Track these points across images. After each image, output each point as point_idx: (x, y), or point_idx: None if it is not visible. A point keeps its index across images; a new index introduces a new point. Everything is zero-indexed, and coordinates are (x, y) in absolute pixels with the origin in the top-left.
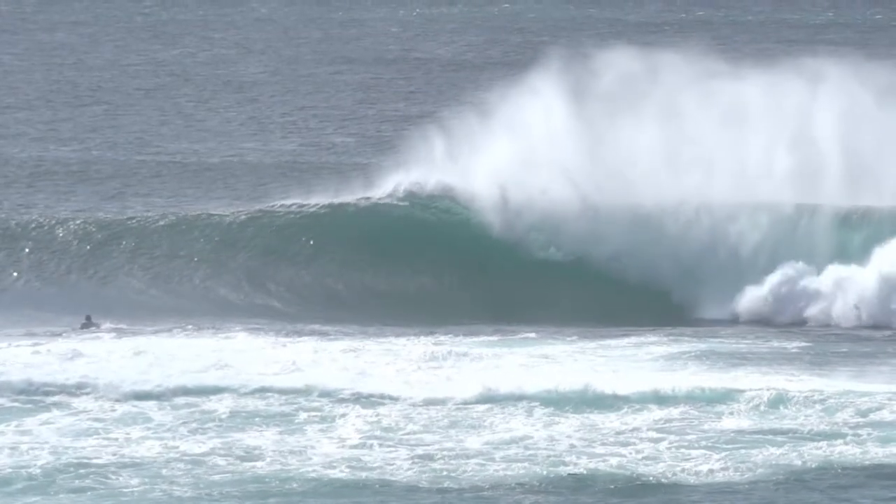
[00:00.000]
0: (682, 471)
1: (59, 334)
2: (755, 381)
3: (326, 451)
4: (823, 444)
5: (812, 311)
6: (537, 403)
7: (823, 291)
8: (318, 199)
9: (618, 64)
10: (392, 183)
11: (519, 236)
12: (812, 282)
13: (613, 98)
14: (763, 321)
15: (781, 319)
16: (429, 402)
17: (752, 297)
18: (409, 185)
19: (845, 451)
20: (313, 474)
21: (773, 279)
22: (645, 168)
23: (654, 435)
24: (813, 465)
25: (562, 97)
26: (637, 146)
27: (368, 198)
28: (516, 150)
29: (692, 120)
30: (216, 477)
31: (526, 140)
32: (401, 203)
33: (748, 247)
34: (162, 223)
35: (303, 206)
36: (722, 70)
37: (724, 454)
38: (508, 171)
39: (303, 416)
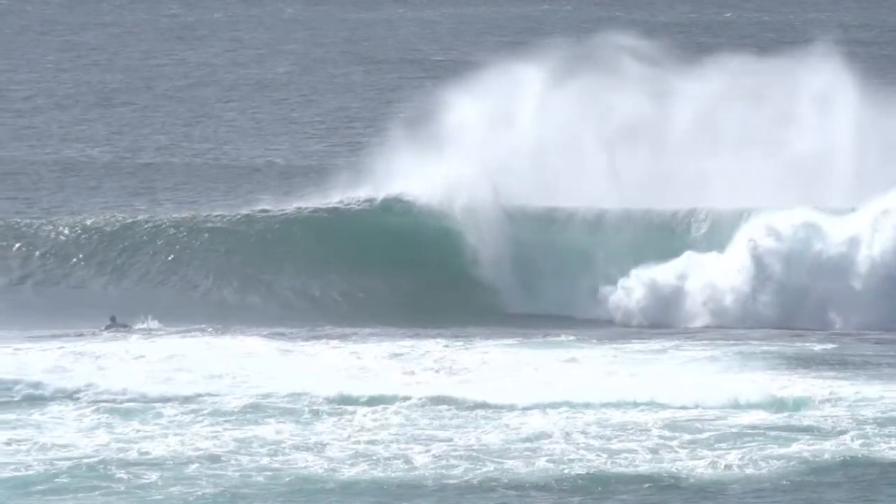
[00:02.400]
0: (703, 468)
1: (85, 335)
2: (774, 381)
3: (346, 448)
4: (844, 439)
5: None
6: (558, 402)
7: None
8: (343, 199)
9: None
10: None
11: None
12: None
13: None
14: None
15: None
16: (449, 402)
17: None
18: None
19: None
20: (335, 474)
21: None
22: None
23: (668, 433)
24: (837, 460)
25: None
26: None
27: (400, 199)
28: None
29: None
30: (235, 475)
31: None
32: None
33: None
34: (189, 224)
35: (337, 206)
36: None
37: (742, 451)
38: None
39: (321, 415)
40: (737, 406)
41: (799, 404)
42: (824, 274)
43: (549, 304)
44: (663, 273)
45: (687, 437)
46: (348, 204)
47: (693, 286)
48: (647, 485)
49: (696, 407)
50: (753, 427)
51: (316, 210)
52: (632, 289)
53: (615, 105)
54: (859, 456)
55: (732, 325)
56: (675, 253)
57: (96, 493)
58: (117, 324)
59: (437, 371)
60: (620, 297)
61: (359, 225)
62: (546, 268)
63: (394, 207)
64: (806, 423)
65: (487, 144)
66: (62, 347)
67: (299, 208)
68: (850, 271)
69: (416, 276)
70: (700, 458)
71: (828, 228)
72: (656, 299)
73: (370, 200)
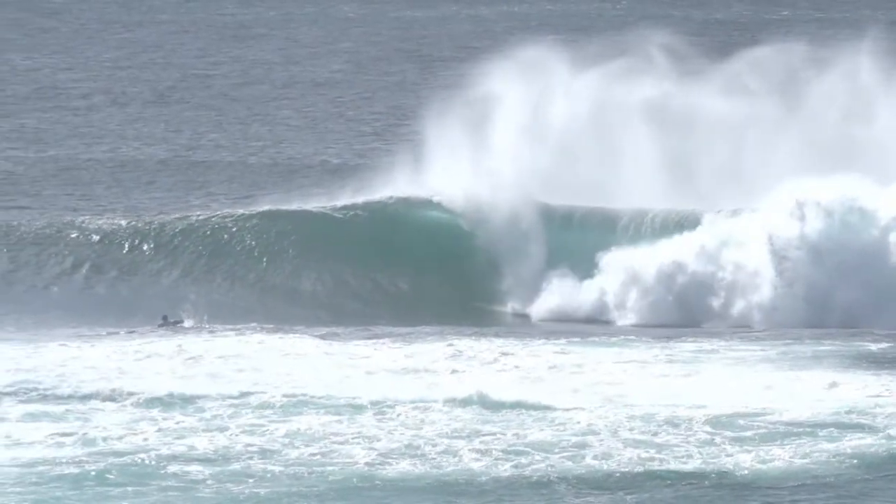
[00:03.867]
0: (752, 464)
1: (137, 333)
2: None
3: (394, 445)
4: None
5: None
6: (605, 400)
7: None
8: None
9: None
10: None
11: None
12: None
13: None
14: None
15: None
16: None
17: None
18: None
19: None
20: (383, 470)
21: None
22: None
23: (717, 430)
24: (887, 455)
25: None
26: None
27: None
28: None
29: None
30: (284, 471)
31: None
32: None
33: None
34: (241, 221)
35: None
36: None
37: (792, 447)
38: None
39: (370, 412)
40: (786, 403)
41: (850, 401)
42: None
43: (591, 304)
44: (695, 269)
45: (735, 433)
46: (395, 201)
47: (728, 282)
48: (696, 481)
49: (745, 405)
50: (802, 424)
51: (366, 207)
52: (665, 286)
53: (660, 103)
54: None
55: (782, 323)
56: (710, 252)
57: (149, 488)
58: (169, 322)
59: (484, 369)
60: (658, 296)
61: (406, 222)
62: (584, 268)
63: (443, 205)
64: (857, 420)
65: (527, 142)
66: (115, 345)
67: (348, 205)
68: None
69: (463, 275)
70: (748, 454)
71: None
72: (689, 296)
73: (422, 198)
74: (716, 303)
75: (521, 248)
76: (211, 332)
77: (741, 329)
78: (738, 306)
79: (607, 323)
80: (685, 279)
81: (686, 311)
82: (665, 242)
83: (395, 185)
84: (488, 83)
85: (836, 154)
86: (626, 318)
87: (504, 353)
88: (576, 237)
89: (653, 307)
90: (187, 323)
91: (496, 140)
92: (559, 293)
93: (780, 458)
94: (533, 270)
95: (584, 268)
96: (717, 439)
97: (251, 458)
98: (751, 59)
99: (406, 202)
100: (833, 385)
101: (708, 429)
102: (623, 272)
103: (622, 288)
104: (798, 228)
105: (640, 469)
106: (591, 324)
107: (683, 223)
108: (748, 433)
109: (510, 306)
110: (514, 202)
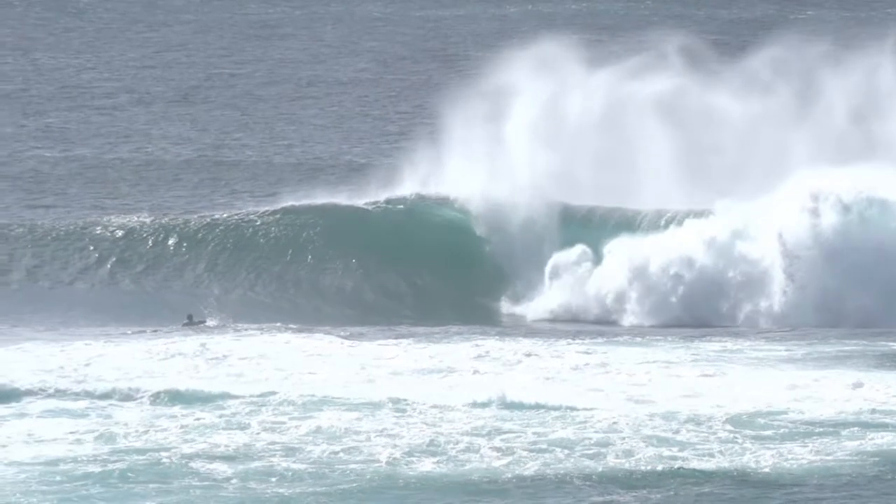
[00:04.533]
0: (776, 462)
1: (162, 332)
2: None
3: (417, 444)
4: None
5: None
6: (627, 399)
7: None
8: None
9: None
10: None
11: None
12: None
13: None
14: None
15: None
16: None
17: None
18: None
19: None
20: (407, 469)
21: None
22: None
23: (740, 429)
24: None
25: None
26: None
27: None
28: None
29: None
30: (308, 469)
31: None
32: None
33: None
34: (263, 220)
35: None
36: None
37: (816, 445)
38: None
39: (395, 411)
40: (810, 402)
41: (874, 401)
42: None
43: (608, 303)
44: (705, 270)
45: (758, 432)
46: (416, 200)
47: (739, 282)
48: (719, 479)
49: (769, 404)
50: (825, 423)
51: (388, 206)
52: (677, 286)
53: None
54: None
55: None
56: (721, 250)
57: (172, 486)
58: (194, 322)
59: (508, 369)
60: (681, 295)
61: (428, 221)
62: (601, 266)
63: (462, 205)
64: (881, 419)
65: (542, 141)
66: (139, 344)
67: (370, 203)
68: None
69: (485, 275)
70: (771, 452)
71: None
72: (699, 297)
73: (441, 197)
74: (726, 305)
75: (539, 248)
76: (235, 331)
77: (766, 330)
78: (747, 309)
79: (625, 322)
80: (696, 279)
81: (696, 312)
82: (679, 241)
83: (414, 184)
84: (503, 80)
85: (852, 151)
86: (644, 318)
87: (528, 354)
88: (593, 236)
89: (666, 307)
90: (211, 322)
91: (513, 139)
92: (577, 292)
93: (803, 456)
94: (551, 269)
95: (602, 266)
96: (740, 438)
97: (274, 456)
98: (768, 56)
99: (426, 201)
100: (858, 385)
101: (731, 427)
102: (639, 271)
103: (637, 286)
104: (811, 225)
105: (662, 467)
106: (615, 325)
107: (698, 221)
108: (771, 432)
109: (530, 306)
110: (531, 202)
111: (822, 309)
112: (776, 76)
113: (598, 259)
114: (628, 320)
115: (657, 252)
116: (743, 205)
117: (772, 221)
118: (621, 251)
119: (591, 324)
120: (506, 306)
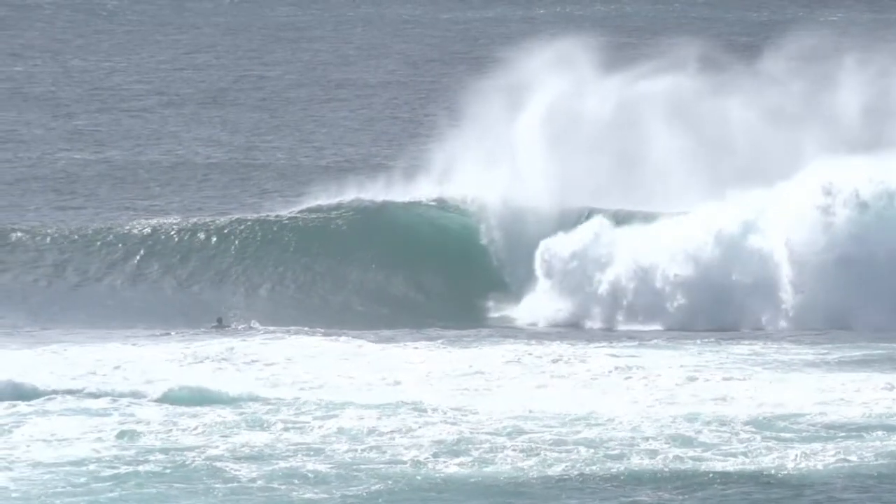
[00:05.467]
0: (802, 463)
1: (191, 334)
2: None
3: (448, 443)
4: None
5: None
6: (652, 402)
7: None
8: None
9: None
10: None
11: None
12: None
13: None
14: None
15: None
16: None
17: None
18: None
19: None
20: (445, 469)
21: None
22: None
23: (764, 431)
24: None
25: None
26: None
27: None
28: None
29: None
30: (334, 472)
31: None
32: None
33: None
34: (292, 222)
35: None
36: None
37: (841, 447)
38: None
39: (403, 413)
40: (839, 404)
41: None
42: None
43: (627, 307)
44: (713, 272)
45: (785, 433)
46: (441, 202)
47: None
48: (744, 480)
49: (798, 406)
50: (853, 426)
51: (408, 208)
52: (685, 288)
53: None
54: None
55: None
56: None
57: (197, 487)
58: (223, 324)
59: (537, 371)
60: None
61: (453, 224)
62: (617, 270)
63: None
64: None
65: (556, 144)
66: (168, 346)
67: (398, 204)
68: None
69: (509, 279)
70: (797, 454)
71: None
72: (708, 299)
73: (463, 200)
74: (733, 311)
75: (558, 251)
76: (265, 333)
77: (796, 332)
78: (754, 315)
79: (642, 326)
80: (704, 282)
81: (706, 315)
82: (687, 240)
83: (438, 185)
84: (519, 79)
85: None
86: (662, 321)
87: (556, 359)
88: (609, 238)
89: (677, 310)
90: (241, 325)
91: (527, 140)
92: (598, 296)
93: (830, 458)
94: (571, 271)
95: (617, 269)
96: (766, 440)
97: (298, 456)
98: (783, 56)
99: (447, 203)
100: (889, 387)
101: (756, 429)
102: (651, 273)
103: (650, 288)
104: (823, 225)
105: (687, 468)
106: (641, 328)
107: (707, 222)
108: (797, 434)
109: (554, 308)
110: (551, 205)
111: (832, 321)
112: (792, 76)
113: (619, 262)
114: (647, 324)
115: (669, 253)
116: (752, 199)
117: (779, 221)
118: (637, 253)
119: (615, 328)
120: (528, 308)
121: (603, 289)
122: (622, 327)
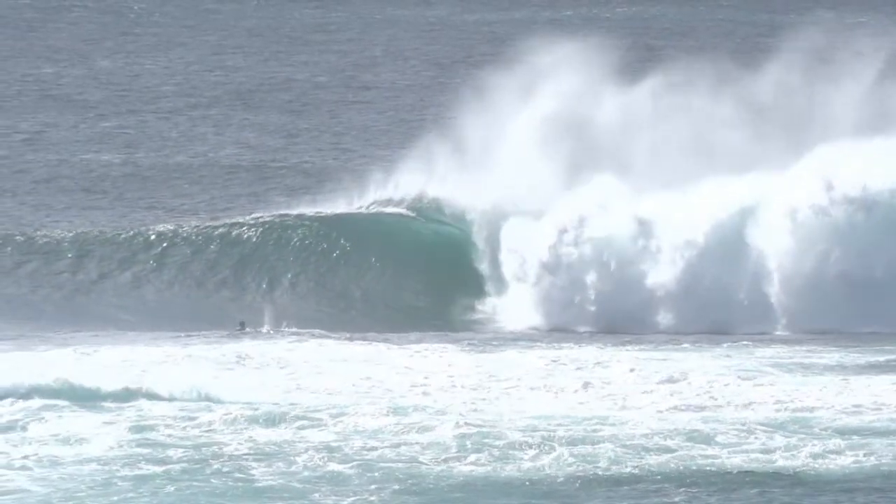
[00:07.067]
0: (823, 464)
1: (214, 338)
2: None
3: (467, 442)
4: None
5: None
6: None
7: None
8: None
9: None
10: None
11: None
12: None
13: None
14: None
15: None
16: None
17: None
18: None
19: None
20: (462, 468)
21: None
22: None
23: (785, 431)
24: None
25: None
26: None
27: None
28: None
29: None
30: (349, 471)
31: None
32: None
33: None
34: (317, 224)
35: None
36: None
37: (860, 448)
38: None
39: (422, 414)
40: (861, 406)
41: None
42: None
43: (634, 310)
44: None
45: (807, 434)
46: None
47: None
48: (764, 480)
49: (821, 406)
50: (875, 428)
51: (427, 211)
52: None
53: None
54: None
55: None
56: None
57: (217, 486)
58: (247, 328)
59: (557, 373)
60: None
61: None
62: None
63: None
64: None
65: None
66: (191, 349)
67: (418, 204)
68: None
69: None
70: (819, 452)
71: None
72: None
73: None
74: (733, 313)
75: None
76: (289, 336)
77: (819, 334)
78: (753, 319)
79: (651, 327)
80: (706, 283)
81: (710, 316)
82: (693, 245)
83: (448, 187)
84: (518, 80)
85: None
86: (673, 322)
87: (574, 361)
88: (610, 238)
89: (683, 310)
90: (265, 328)
91: (529, 144)
92: (595, 301)
93: (850, 458)
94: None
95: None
96: (788, 440)
97: (316, 457)
98: (790, 59)
99: (455, 206)
100: None
101: (776, 429)
102: (652, 274)
103: (653, 291)
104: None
105: (707, 468)
106: (664, 332)
107: (710, 221)
108: (817, 435)
109: (569, 311)
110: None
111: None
112: (799, 78)
113: (620, 263)
114: (658, 326)
115: (670, 253)
116: (752, 189)
117: (771, 222)
118: (638, 252)
119: (625, 331)
120: (543, 312)
121: (610, 292)
122: (631, 330)
